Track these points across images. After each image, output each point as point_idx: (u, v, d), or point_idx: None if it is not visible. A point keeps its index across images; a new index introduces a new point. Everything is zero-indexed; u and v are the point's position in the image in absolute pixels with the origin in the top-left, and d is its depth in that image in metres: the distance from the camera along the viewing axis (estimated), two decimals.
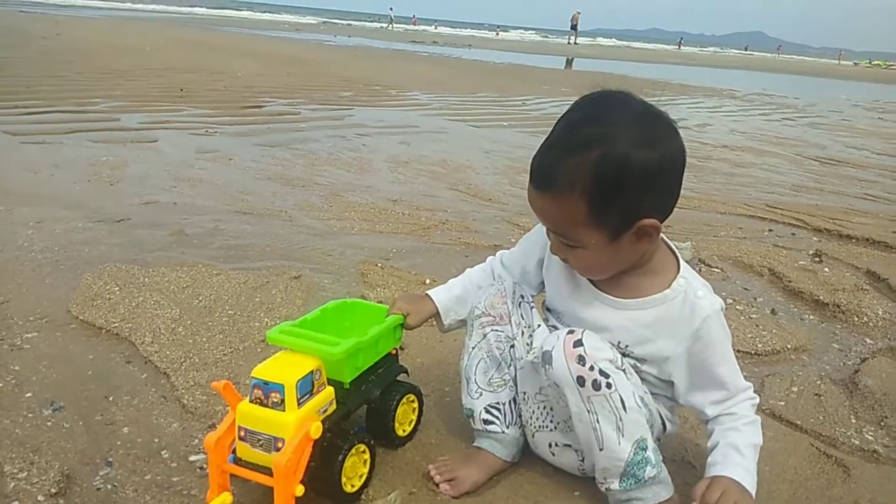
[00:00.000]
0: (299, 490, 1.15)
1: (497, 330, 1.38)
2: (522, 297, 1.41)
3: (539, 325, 1.40)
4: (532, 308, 1.42)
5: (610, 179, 1.12)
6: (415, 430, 1.50)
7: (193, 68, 9.90)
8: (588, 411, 1.17)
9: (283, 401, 1.16)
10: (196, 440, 1.47)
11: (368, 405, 1.40)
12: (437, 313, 1.49)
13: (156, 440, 1.47)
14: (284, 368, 1.19)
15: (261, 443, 1.17)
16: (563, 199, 1.15)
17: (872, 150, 6.86)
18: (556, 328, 1.36)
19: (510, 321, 1.38)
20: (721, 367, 1.25)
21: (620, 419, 1.17)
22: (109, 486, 1.32)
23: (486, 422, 1.38)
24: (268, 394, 1.17)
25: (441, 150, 5.33)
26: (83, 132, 5.07)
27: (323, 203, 3.58)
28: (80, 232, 2.85)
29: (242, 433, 1.19)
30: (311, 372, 1.21)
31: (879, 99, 16.39)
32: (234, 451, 1.22)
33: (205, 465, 1.38)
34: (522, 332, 1.39)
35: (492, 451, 1.37)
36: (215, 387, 1.21)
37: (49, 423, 1.51)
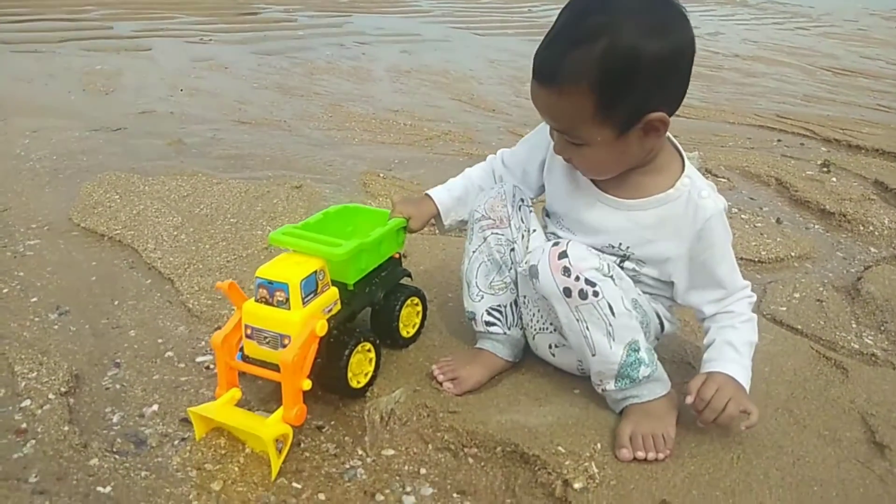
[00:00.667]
0: (306, 384, 1.17)
1: (497, 233, 1.37)
2: (522, 200, 1.39)
3: (535, 230, 1.38)
4: (531, 212, 1.40)
5: (618, 72, 1.07)
6: (419, 331, 1.51)
7: None
8: (577, 320, 1.18)
9: (287, 299, 1.17)
10: (202, 342, 1.49)
11: (372, 307, 1.41)
12: (438, 214, 1.47)
13: (162, 342, 1.49)
14: (288, 268, 1.20)
15: (267, 340, 1.19)
16: (569, 93, 1.10)
17: (887, 61, 6.66)
18: (554, 234, 1.35)
19: (510, 224, 1.37)
20: (721, 266, 1.24)
21: (610, 325, 1.17)
22: (118, 386, 1.34)
23: (488, 323, 1.39)
24: (272, 293, 1.18)
25: (444, 59, 5.19)
26: (76, 40, 4.93)
27: (322, 113, 3.51)
28: (77, 141, 2.80)
29: (249, 331, 1.21)
30: (315, 272, 1.21)
31: None
32: (241, 350, 1.24)
33: (212, 365, 1.40)
34: (523, 236, 1.37)
35: (493, 351, 1.38)
36: (220, 287, 1.21)
37: (56, 327, 1.53)
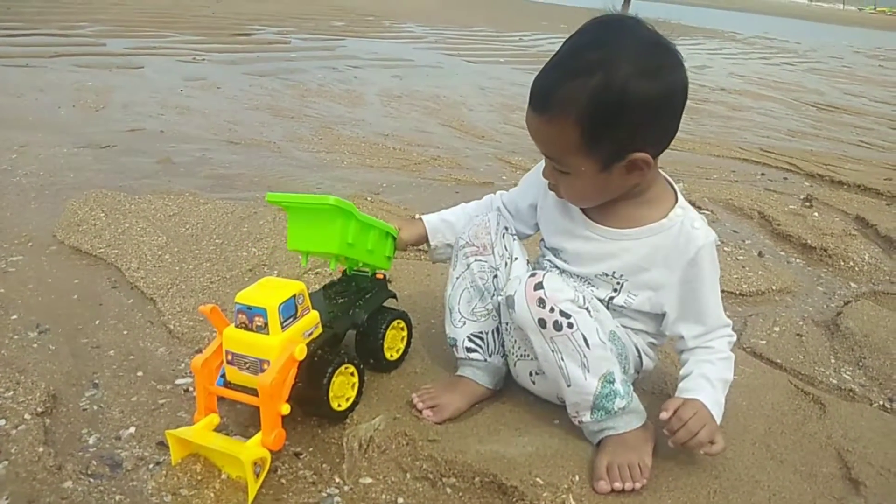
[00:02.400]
0: (285, 409, 1.17)
1: (481, 260, 1.38)
2: (506, 228, 1.42)
3: (517, 258, 1.40)
4: (515, 239, 1.43)
5: (606, 108, 1.10)
6: (404, 354, 1.52)
7: None
8: (552, 351, 1.19)
9: (266, 324, 1.17)
10: (182, 364, 1.48)
11: (357, 329, 1.41)
12: (427, 236, 1.49)
13: (142, 364, 1.47)
14: (267, 293, 1.20)
15: (247, 365, 1.19)
16: (558, 122, 1.14)
17: (871, 98, 6.79)
18: (552, 262, 1.37)
19: (493, 252, 1.39)
20: (708, 299, 1.26)
21: (585, 356, 1.18)
22: (96, 407, 1.33)
23: (469, 350, 1.39)
24: (251, 318, 1.18)
25: (435, 85, 5.24)
26: (68, 56, 4.94)
27: (312, 135, 3.52)
28: (65, 157, 2.80)
29: (230, 357, 1.21)
30: (294, 296, 1.21)
31: (882, 46, 16.16)
32: (223, 375, 1.24)
33: (191, 388, 1.39)
34: (506, 263, 1.39)
35: (474, 378, 1.38)
36: (202, 311, 1.21)
37: (35, 346, 1.51)
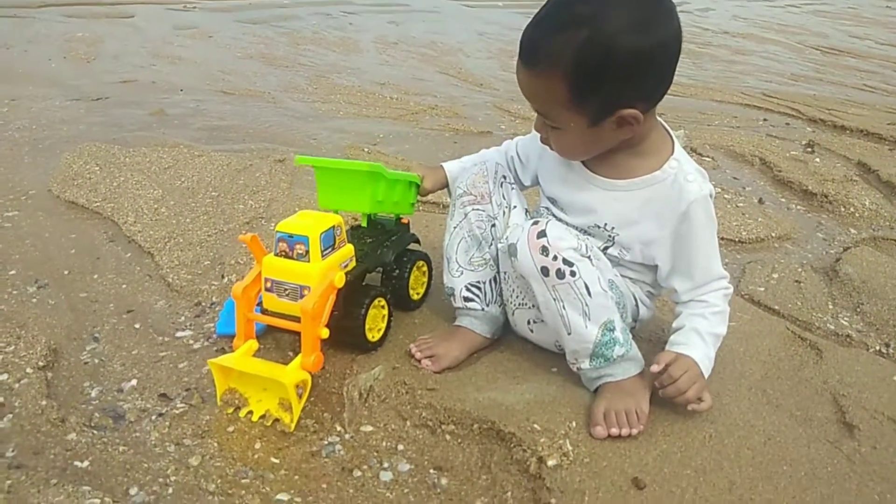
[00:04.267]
0: (324, 333, 1.21)
1: (478, 209, 1.38)
2: (504, 177, 1.41)
3: (515, 207, 1.40)
4: (513, 188, 1.42)
5: (593, 64, 1.08)
6: (425, 295, 1.58)
7: None
8: (554, 299, 1.19)
9: (307, 252, 1.22)
10: (182, 317, 1.48)
11: (383, 268, 1.46)
12: (448, 183, 1.51)
13: (142, 317, 1.48)
14: (308, 222, 1.25)
15: (287, 292, 1.23)
16: (546, 77, 1.12)
17: (876, 40, 6.66)
18: (548, 209, 1.36)
19: (491, 200, 1.38)
20: (702, 252, 1.25)
21: (586, 304, 1.18)
22: (97, 360, 1.34)
23: (467, 299, 1.40)
24: (292, 246, 1.22)
25: (432, 31, 5.14)
26: (56, 6, 4.84)
27: (307, 85, 3.47)
28: (58, 110, 2.77)
29: (269, 284, 1.25)
30: (333, 227, 1.26)
31: None
32: (259, 304, 1.28)
33: (191, 341, 1.40)
34: (504, 212, 1.39)
35: (471, 328, 1.39)
36: (243, 239, 1.25)
37: (34, 300, 1.52)
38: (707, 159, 2.71)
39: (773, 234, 2.08)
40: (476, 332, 1.39)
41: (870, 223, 2.24)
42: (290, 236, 1.23)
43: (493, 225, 1.38)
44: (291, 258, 1.23)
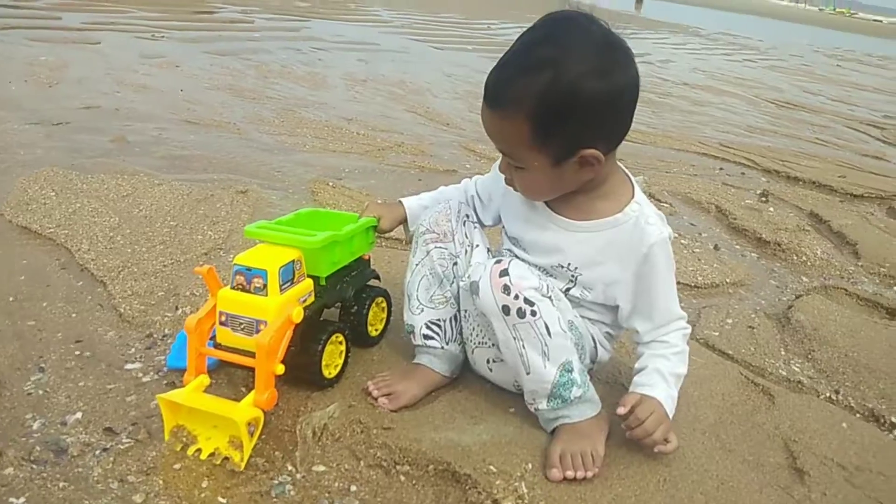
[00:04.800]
0: (279, 369, 1.19)
1: (440, 247, 1.39)
2: (468, 216, 1.42)
3: (478, 246, 1.41)
4: (476, 227, 1.43)
5: (555, 105, 1.11)
6: (384, 331, 1.56)
7: None
8: (514, 338, 1.20)
9: (265, 286, 1.19)
10: (133, 349, 1.44)
11: (342, 303, 1.45)
12: (406, 220, 1.52)
13: (91, 348, 1.43)
14: (267, 256, 1.23)
15: (242, 326, 1.20)
16: (510, 118, 1.15)
17: (828, 96, 6.95)
18: (510, 251, 1.37)
19: (454, 239, 1.39)
20: (662, 294, 1.28)
21: (545, 344, 1.19)
22: (41, 392, 1.29)
23: (426, 337, 1.39)
24: (250, 279, 1.20)
25: (401, 71, 5.20)
26: (21, 29, 4.78)
27: (274, 117, 3.47)
28: (16, 134, 2.71)
29: (223, 318, 1.22)
30: (293, 261, 1.24)
31: (840, 46, 16.56)
32: (213, 338, 1.24)
33: (140, 374, 1.36)
34: (466, 251, 1.40)
35: (430, 366, 1.38)
36: (198, 271, 1.22)
37: None
38: (665, 205, 2.77)
39: (728, 280, 2.13)
40: (435, 371, 1.38)
41: (821, 272, 2.30)
42: (248, 269, 1.21)
43: (455, 263, 1.39)
44: (248, 291, 1.21)
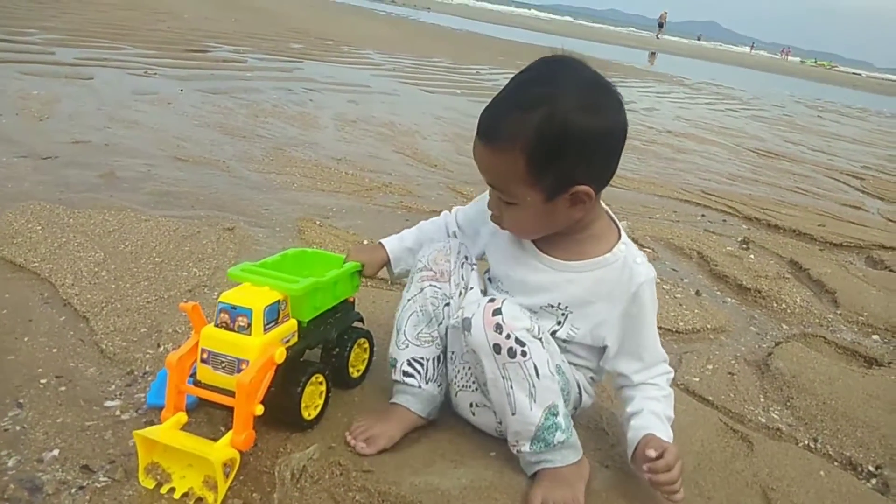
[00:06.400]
0: (259, 409, 1.18)
1: (435, 286, 1.40)
2: (466, 257, 1.44)
3: (472, 288, 1.41)
4: (473, 269, 1.44)
5: (551, 139, 1.14)
6: (366, 372, 1.56)
7: (135, 5, 9.47)
8: (503, 378, 1.20)
9: (249, 325, 1.19)
10: (113, 386, 1.43)
11: (325, 345, 1.45)
12: (389, 261, 1.53)
13: (71, 384, 1.42)
14: (252, 295, 1.23)
15: (223, 365, 1.20)
16: (504, 153, 1.17)
17: (809, 146, 7.10)
18: (493, 293, 1.38)
19: (450, 280, 1.41)
20: (650, 334, 1.31)
21: (533, 386, 1.20)
22: (18, 428, 1.27)
23: (406, 374, 1.39)
24: (234, 318, 1.20)
25: (390, 112, 5.27)
26: (13, 63, 4.81)
27: (264, 156, 3.50)
28: (4, 167, 2.71)
29: (205, 355, 1.21)
30: (278, 301, 1.25)
31: (821, 98, 16.97)
32: (193, 375, 1.24)
33: (119, 412, 1.35)
34: (460, 293, 1.41)
35: (407, 406, 1.38)
36: (183, 308, 1.22)
37: None
38: (648, 250, 2.81)
39: (709, 326, 2.15)
40: (411, 411, 1.38)
41: (801, 319, 2.34)
42: (234, 308, 1.21)
43: (447, 304, 1.40)
44: (232, 330, 1.21)
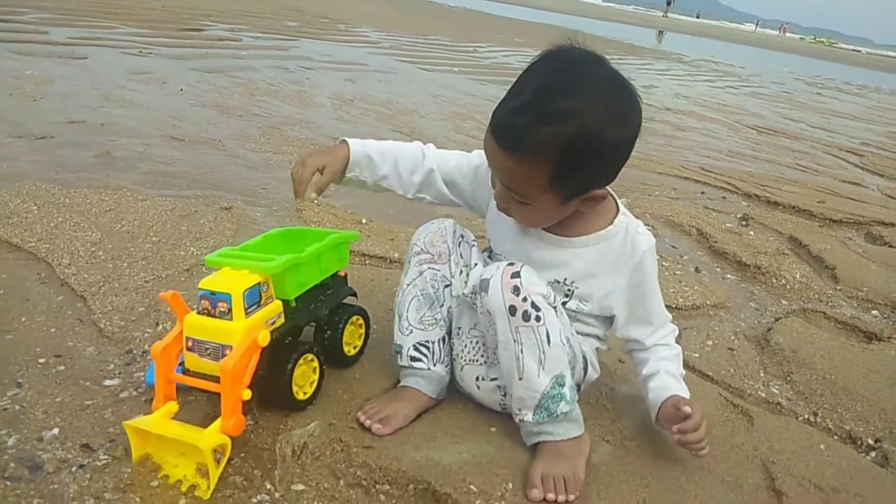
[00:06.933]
0: (246, 394, 1.16)
1: (434, 268, 1.39)
2: (462, 236, 1.43)
3: (476, 265, 1.41)
4: (472, 247, 1.43)
5: (579, 155, 1.14)
6: (362, 350, 1.54)
7: None
8: (514, 341, 1.21)
9: (230, 310, 1.17)
10: (111, 365, 1.43)
11: (316, 323, 1.42)
12: (349, 161, 1.41)
13: (69, 363, 1.42)
14: (232, 280, 1.20)
15: (208, 351, 1.18)
16: (528, 163, 1.16)
17: (808, 123, 7.07)
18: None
19: (449, 260, 1.40)
20: (655, 297, 1.35)
21: (543, 352, 1.20)
22: (17, 407, 1.27)
23: (413, 359, 1.39)
24: (215, 304, 1.18)
25: (388, 91, 5.23)
26: (7, 42, 4.76)
27: (260, 135, 3.47)
28: None
29: (190, 343, 1.20)
30: (259, 284, 1.22)
31: (820, 75, 16.88)
32: (181, 364, 1.23)
33: (119, 390, 1.35)
34: (461, 272, 1.40)
35: (418, 388, 1.37)
36: (163, 297, 1.20)
37: None
38: (647, 227, 2.78)
39: (709, 302, 2.15)
40: (423, 393, 1.37)
41: (800, 295, 2.33)
42: (213, 294, 1.18)
43: (448, 285, 1.39)
44: (214, 316, 1.19)
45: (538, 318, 1.19)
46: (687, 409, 1.23)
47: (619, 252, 1.30)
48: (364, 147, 1.43)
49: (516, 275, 1.20)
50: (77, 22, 6.01)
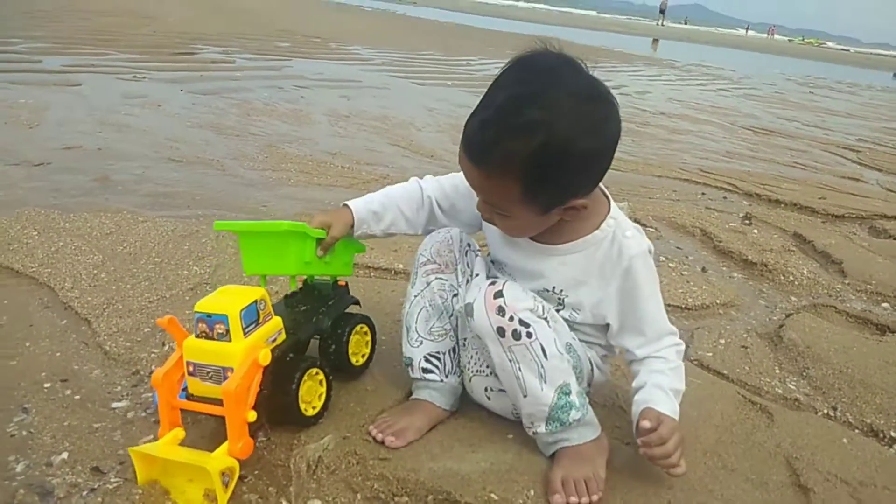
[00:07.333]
0: (251, 416, 1.14)
1: (441, 278, 1.36)
2: (469, 245, 1.39)
3: (478, 275, 1.38)
4: (477, 256, 1.40)
5: (547, 166, 1.10)
6: (370, 359, 1.51)
7: (119, 11, 9.41)
8: (510, 360, 1.18)
9: (227, 331, 1.14)
10: (119, 387, 1.40)
11: (320, 335, 1.39)
12: (353, 224, 1.42)
13: (76, 387, 1.40)
14: (227, 300, 1.17)
15: (210, 375, 1.16)
16: (498, 177, 1.13)
17: (803, 122, 7.08)
18: (497, 277, 1.35)
19: (456, 269, 1.36)
20: (649, 307, 1.26)
21: (542, 366, 1.17)
22: (25, 433, 1.25)
23: (425, 370, 1.36)
24: (212, 326, 1.15)
25: (383, 106, 5.23)
26: (1, 72, 4.75)
27: (258, 153, 3.46)
28: None
29: (191, 368, 1.17)
30: (255, 301, 1.19)
31: (811, 74, 16.96)
32: (185, 389, 1.20)
33: (127, 412, 1.32)
34: (467, 281, 1.36)
35: (431, 400, 1.35)
36: (160, 323, 1.18)
37: None
38: (651, 230, 2.78)
39: (718, 301, 2.13)
40: (436, 405, 1.35)
41: (809, 291, 2.31)
42: (209, 316, 1.15)
43: (456, 295, 1.36)
44: (212, 338, 1.16)
45: (529, 335, 1.16)
46: (646, 423, 1.14)
47: (606, 257, 1.24)
48: (366, 204, 1.44)
49: (499, 294, 1.16)
50: (70, 50, 6.02)
